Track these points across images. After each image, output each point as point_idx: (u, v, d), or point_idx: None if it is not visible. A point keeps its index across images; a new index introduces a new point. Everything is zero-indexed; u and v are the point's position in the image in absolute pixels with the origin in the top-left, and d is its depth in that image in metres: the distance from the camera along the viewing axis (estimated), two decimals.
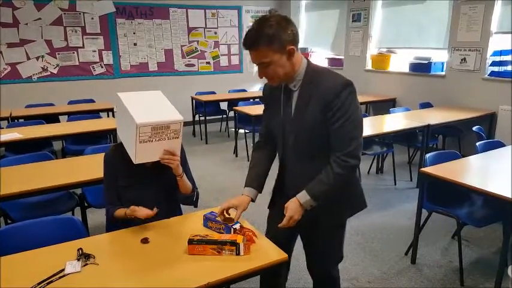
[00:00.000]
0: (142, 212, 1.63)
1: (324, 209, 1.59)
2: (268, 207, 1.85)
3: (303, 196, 1.53)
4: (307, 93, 1.51)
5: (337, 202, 1.62)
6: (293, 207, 1.53)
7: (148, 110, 1.63)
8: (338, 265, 1.84)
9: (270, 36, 1.40)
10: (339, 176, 1.49)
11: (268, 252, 1.51)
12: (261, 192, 1.73)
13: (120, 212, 1.74)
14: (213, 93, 6.57)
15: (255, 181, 1.73)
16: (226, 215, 1.65)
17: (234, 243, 1.47)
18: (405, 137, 4.26)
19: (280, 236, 1.67)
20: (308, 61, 1.55)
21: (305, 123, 1.52)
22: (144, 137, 1.58)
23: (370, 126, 4.03)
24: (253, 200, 1.70)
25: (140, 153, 1.62)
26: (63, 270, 1.38)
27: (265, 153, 1.79)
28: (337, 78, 1.49)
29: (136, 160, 1.65)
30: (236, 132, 5.31)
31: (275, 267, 1.48)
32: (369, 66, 6.17)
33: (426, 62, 5.26)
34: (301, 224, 1.57)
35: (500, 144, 3.13)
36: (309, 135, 1.54)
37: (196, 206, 1.95)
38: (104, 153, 1.90)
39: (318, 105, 1.48)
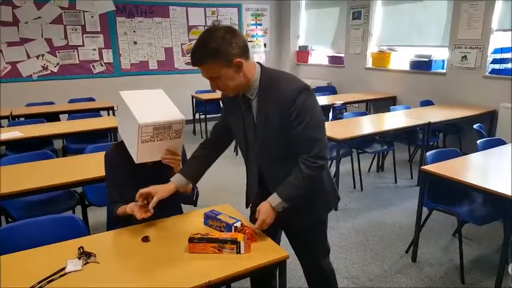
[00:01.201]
0: (138, 214, 1.58)
1: (300, 212, 1.62)
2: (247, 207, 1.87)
3: (275, 199, 1.53)
4: (265, 100, 1.51)
5: (311, 203, 1.64)
6: (265, 211, 1.54)
7: (151, 110, 1.63)
8: (328, 257, 1.85)
9: (215, 52, 1.38)
10: (308, 177, 1.51)
11: (268, 251, 1.51)
12: (194, 185, 1.73)
13: (121, 209, 1.74)
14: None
15: (192, 172, 1.71)
16: (143, 202, 1.61)
17: (234, 242, 1.47)
18: (406, 135, 4.26)
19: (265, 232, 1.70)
20: (262, 67, 1.54)
21: (268, 130, 1.53)
22: (146, 136, 1.58)
23: (371, 124, 4.03)
24: (178, 190, 1.68)
25: (142, 153, 1.63)
26: (64, 268, 1.38)
27: (210, 152, 1.80)
28: (292, 83, 1.48)
29: (137, 160, 1.65)
30: None
31: (275, 266, 1.49)
32: (369, 64, 6.16)
33: (427, 59, 5.25)
34: (279, 226, 1.61)
35: (501, 142, 3.12)
36: (274, 140, 1.54)
37: (195, 205, 1.95)
38: (104, 152, 1.90)
39: (277, 111, 1.48)
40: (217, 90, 1.52)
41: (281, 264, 1.50)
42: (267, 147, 1.57)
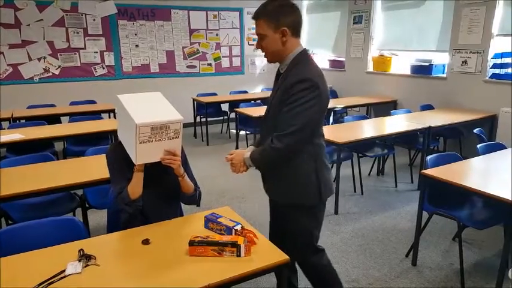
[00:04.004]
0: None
1: (276, 187, 1.81)
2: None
3: (247, 152, 1.77)
4: (284, 78, 1.69)
5: (285, 182, 1.77)
6: (237, 155, 1.78)
7: (148, 111, 1.63)
8: (318, 255, 1.89)
9: (271, 14, 1.62)
10: (265, 151, 1.69)
11: (269, 254, 1.51)
12: None
13: (130, 183, 1.72)
14: (215, 94, 6.58)
15: (258, 143, 1.87)
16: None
17: (235, 245, 1.47)
18: (406, 138, 4.26)
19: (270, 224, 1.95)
20: (303, 51, 1.71)
21: (273, 102, 1.72)
22: (143, 137, 1.58)
23: (371, 128, 4.03)
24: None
25: (140, 154, 1.62)
26: (64, 271, 1.38)
27: None
28: (302, 72, 1.63)
29: (137, 161, 1.64)
30: (237, 134, 5.32)
31: (276, 269, 1.49)
32: (370, 68, 6.17)
33: (427, 64, 5.26)
34: (273, 200, 1.88)
35: (501, 146, 3.12)
36: (273, 113, 1.72)
37: (199, 205, 1.95)
38: (105, 155, 1.90)
39: (283, 89, 1.66)
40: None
41: (281, 267, 1.50)
42: (269, 117, 1.77)
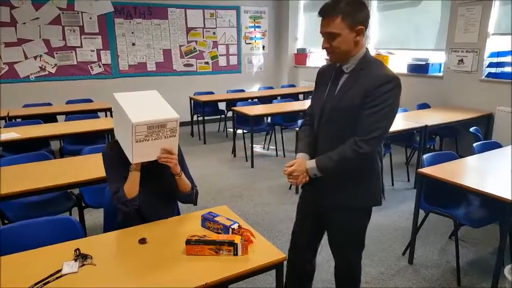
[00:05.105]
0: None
1: (353, 191, 1.68)
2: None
3: (311, 162, 1.64)
4: (355, 78, 1.59)
5: (363, 184, 1.68)
6: (299, 164, 1.65)
7: (144, 109, 1.62)
8: (361, 255, 1.89)
9: (347, 10, 1.50)
10: (346, 158, 1.57)
11: (265, 253, 1.51)
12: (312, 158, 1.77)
13: (127, 182, 1.71)
14: (212, 93, 6.57)
15: (308, 148, 1.77)
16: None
17: (231, 244, 1.47)
18: (403, 137, 4.27)
19: (306, 231, 1.87)
20: (367, 50, 1.63)
21: (343, 103, 1.59)
22: (140, 136, 1.57)
23: None
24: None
25: (137, 153, 1.61)
26: (60, 270, 1.38)
27: (310, 130, 1.82)
28: (386, 70, 1.56)
29: (133, 160, 1.64)
30: (234, 133, 5.31)
31: (273, 268, 1.49)
32: None
33: (424, 63, 5.28)
34: (325, 206, 1.75)
35: (497, 145, 3.14)
36: (343, 115, 1.61)
37: (196, 204, 1.95)
38: (101, 153, 1.89)
39: (360, 91, 1.54)
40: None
41: (278, 266, 1.50)
42: (334, 118, 1.64)
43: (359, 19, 1.52)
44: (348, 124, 1.59)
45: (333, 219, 1.80)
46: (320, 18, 1.58)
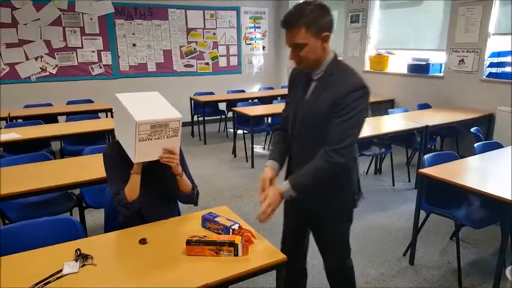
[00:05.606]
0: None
1: (326, 197, 1.67)
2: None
3: (285, 185, 1.58)
4: (324, 84, 1.58)
5: (335, 190, 1.67)
6: (272, 195, 1.58)
7: (147, 109, 1.63)
8: (350, 256, 1.88)
9: (310, 19, 1.46)
10: (320, 170, 1.54)
11: (266, 253, 1.51)
12: (282, 167, 1.76)
13: (127, 185, 1.71)
14: (212, 93, 6.57)
15: (278, 156, 1.76)
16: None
17: (232, 244, 1.47)
18: (403, 138, 4.27)
19: (293, 237, 1.88)
20: (335, 55, 1.61)
21: (314, 110, 1.58)
22: (143, 135, 1.58)
23: (369, 127, 4.03)
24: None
25: (139, 152, 1.62)
26: (60, 271, 1.38)
27: (284, 135, 1.81)
28: (355, 78, 1.55)
29: (135, 159, 1.64)
30: (235, 133, 5.31)
31: (273, 268, 1.49)
32: (367, 67, 6.17)
33: (424, 63, 5.27)
34: (311, 211, 1.73)
35: (498, 146, 3.13)
36: (314, 122, 1.60)
37: (196, 204, 1.95)
38: (102, 154, 1.89)
39: (329, 98, 1.53)
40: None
41: (279, 266, 1.50)
42: (307, 127, 1.63)
43: (323, 26, 1.48)
44: (321, 130, 1.57)
45: (315, 224, 1.82)
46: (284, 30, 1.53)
